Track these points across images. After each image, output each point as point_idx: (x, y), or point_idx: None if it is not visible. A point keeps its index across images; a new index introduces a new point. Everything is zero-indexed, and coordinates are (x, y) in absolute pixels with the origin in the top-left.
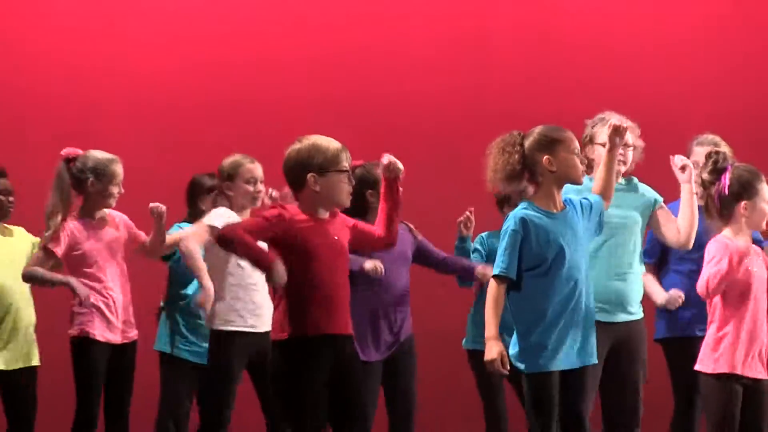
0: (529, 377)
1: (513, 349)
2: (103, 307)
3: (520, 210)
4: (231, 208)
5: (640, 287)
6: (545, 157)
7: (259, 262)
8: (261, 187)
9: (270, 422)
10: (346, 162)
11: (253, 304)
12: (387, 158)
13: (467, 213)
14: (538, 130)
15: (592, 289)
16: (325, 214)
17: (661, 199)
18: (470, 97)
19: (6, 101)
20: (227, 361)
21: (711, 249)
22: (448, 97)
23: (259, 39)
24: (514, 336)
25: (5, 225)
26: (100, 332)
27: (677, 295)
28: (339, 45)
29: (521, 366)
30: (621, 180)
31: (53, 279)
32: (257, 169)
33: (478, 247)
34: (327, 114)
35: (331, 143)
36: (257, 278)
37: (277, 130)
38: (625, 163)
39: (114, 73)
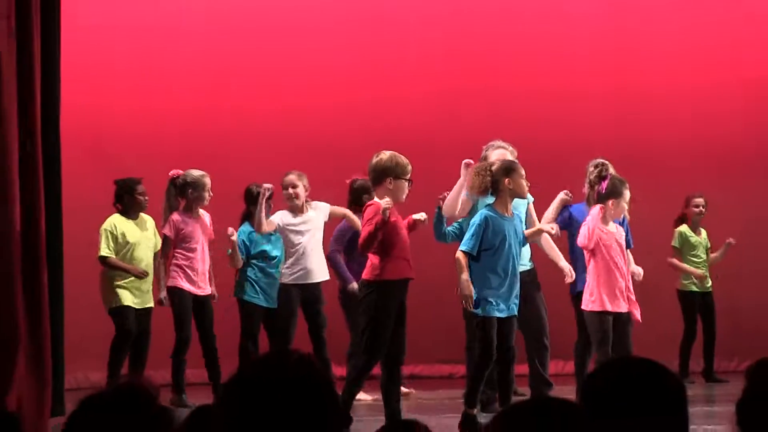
0: (480, 319)
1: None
2: (189, 271)
3: (485, 210)
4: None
5: (527, 250)
6: (506, 179)
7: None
8: (291, 191)
9: (315, 344)
10: (410, 174)
11: (306, 266)
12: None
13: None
14: (500, 161)
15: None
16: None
17: (532, 199)
18: (443, 134)
19: (152, 133)
20: (290, 305)
21: (584, 226)
22: (430, 128)
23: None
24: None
25: (143, 216)
26: (186, 285)
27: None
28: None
29: (477, 311)
30: None
31: (159, 275)
32: (288, 178)
33: (456, 227)
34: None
35: (403, 159)
36: (310, 252)
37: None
38: None
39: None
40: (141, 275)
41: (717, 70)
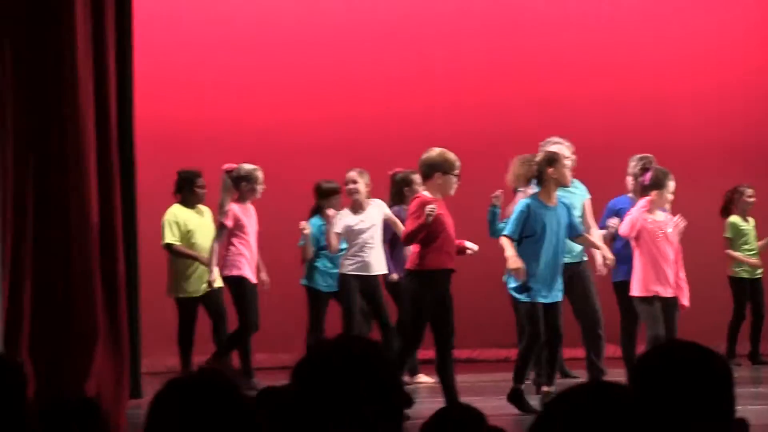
0: (524, 304)
1: (512, 284)
2: (249, 260)
3: (527, 199)
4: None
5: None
6: (550, 168)
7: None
8: (351, 186)
9: (382, 332)
10: (458, 170)
11: (365, 259)
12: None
13: (497, 193)
14: (544, 152)
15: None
16: (440, 198)
17: (589, 196)
18: (490, 140)
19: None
20: (350, 293)
21: (628, 216)
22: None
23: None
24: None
25: (200, 206)
26: (249, 274)
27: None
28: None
29: (519, 297)
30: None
31: (212, 260)
32: (350, 174)
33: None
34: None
35: (452, 155)
36: (369, 246)
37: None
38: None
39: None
40: (207, 263)
41: (742, 70)
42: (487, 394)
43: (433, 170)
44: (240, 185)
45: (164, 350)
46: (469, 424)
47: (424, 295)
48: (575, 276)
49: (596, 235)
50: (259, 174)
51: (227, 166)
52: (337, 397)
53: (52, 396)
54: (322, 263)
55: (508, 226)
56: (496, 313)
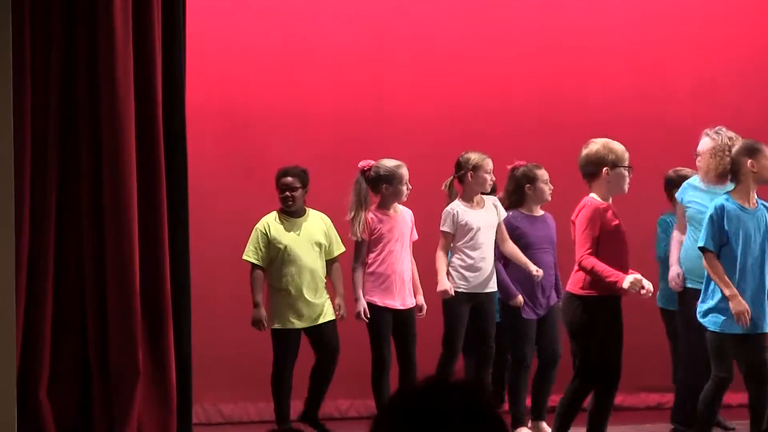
0: (711, 335)
1: (701, 307)
2: (385, 280)
3: (721, 200)
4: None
5: None
6: (749, 161)
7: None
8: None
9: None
10: (628, 161)
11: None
12: None
13: None
14: (743, 141)
15: None
16: (610, 199)
17: None
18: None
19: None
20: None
21: None
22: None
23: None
24: (703, 296)
25: (310, 211)
26: (375, 298)
27: None
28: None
29: (708, 324)
30: None
31: (355, 287)
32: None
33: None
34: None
35: (619, 145)
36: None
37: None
38: None
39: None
40: (258, 325)
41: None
42: None
43: (599, 165)
44: (380, 188)
45: (220, 396)
46: None
47: (593, 325)
48: None
49: None
50: (403, 171)
51: (363, 164)
52: None
53: None
54: None
55: (701, 237)
56: (645, 350)
